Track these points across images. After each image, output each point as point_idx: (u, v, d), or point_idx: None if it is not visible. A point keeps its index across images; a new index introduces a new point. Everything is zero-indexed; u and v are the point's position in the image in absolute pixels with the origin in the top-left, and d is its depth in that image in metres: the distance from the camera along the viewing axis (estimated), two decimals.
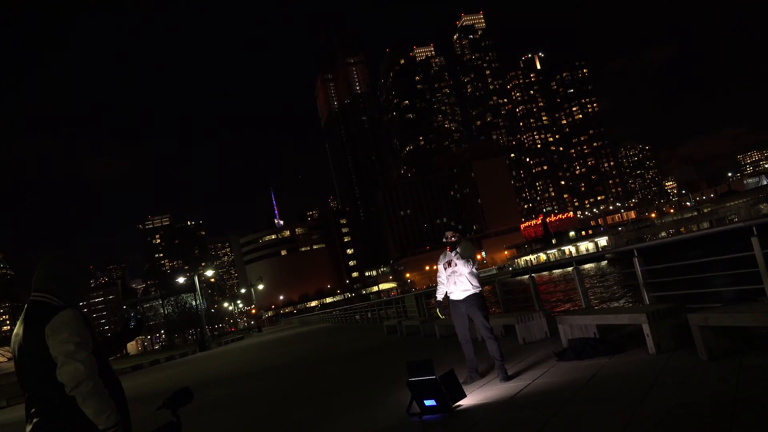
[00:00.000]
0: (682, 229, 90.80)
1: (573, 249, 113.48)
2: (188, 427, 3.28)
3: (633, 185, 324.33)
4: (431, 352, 9.80)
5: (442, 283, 6.68)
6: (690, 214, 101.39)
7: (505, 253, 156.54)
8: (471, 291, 6.37)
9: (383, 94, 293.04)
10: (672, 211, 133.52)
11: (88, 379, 2.44)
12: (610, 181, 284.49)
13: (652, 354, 5.65)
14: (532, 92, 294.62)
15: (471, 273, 6.38)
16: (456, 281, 6.43)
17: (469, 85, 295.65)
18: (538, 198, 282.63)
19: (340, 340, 19.32)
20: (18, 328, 2.62)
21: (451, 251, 6.47)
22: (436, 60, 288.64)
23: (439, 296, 6.78)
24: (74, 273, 2.77)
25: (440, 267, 6.68)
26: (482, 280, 6.76)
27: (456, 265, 6.38)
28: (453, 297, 6.50)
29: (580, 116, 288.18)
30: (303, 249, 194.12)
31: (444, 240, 6.60)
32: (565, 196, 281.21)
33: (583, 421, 4.11)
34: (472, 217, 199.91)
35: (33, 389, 2.53)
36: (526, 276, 10.25)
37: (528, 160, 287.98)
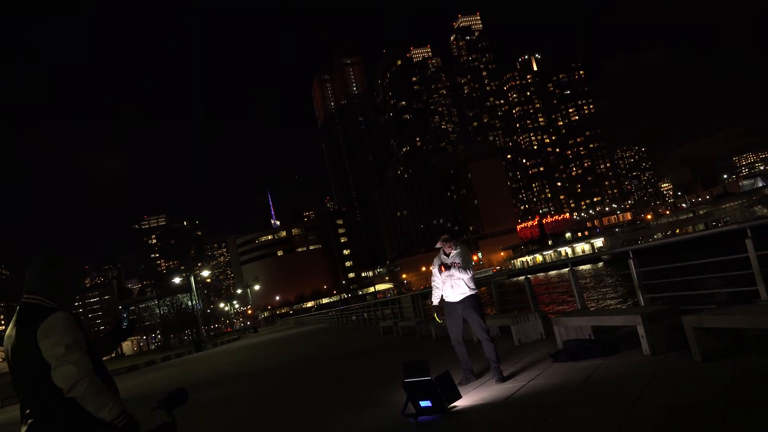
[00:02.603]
0: (678, 231, 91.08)
1: (569, 250, 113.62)
2: (184, 427, 3.28)
3: (629, 187, 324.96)
4: (427, 353, 9.80)
5: (437, 287, 6.65)
6: (685, 216, 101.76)
7: (502, 254, 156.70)
8: (468, 293, 6.38)
9: (380, 95, 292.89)
10: (668, 212, 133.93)
11: (83, 379, 2.44)
12: (606, 183, 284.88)
13: (647, 355, 5.67)
14: (528, 93, 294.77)
15: (470, 277, 6.41)
16: (453, 284, 6.42)
17: (465, 86, 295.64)
18: (535, 199, 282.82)
19: (336, 340, 19.31)
20: (10, 330, 2.61)
21: (447, 255, 6.49)
22: (433, 61, 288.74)
23: (435, 300, 6.75)
24: (66, 275, 2.76)
25: (435, 270, 6.64)
26: (478, 282, 6.78)
27: (457, 269, 6.39)
28: (449, 299, 6.49)
29: (577, 117, 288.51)
30: (299, 249, 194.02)
31: (437, 246, 6.61)
32: (562, 197, 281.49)
33: (578, 422, 4.13)
34: (469, 218, 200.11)
35: (27, 391, 2.53)
36: (522, 277, 10.26)
37: (524, 161, 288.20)
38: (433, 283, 6.74)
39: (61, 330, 2.51)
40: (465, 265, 6.38)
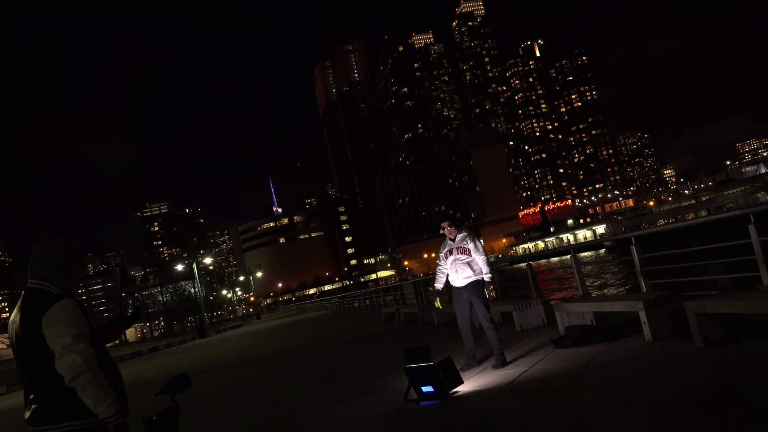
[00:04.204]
0: (680, 217, 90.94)
1: (571, 237, 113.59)
2: (187, 413, 3.30)
3: (631, 173, 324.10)
4: (429, 339, 9.84)
5: (443, 272, 6.67)
6: (688, 203, 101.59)
7: (503, 241, 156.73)
8: (473, 277, 6.41)
9: (382, 82, 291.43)
10: (670, 199, 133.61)
11: (86, 371, 2.44)
12: (609, 170, 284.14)
13: (649, 341, 5.67)
14: (531, 80, 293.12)
15: (484, 260, 6.43)
16: (458, 268, 6.44)
17: (468, 73, 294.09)
18: (537, 186, 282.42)
19: (339, 327, 19.38)
20: (15, 315, 2.60)
21: (453, 240, 6.51)
22: (435, 47, 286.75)
23: (439, 285, 6.77)
24: (70, 260, 2.75)
25: (441, 255, 6.68)
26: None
27: (468, 252, 6.41)
28: (455, 284, 6.52)
29: (579, 104, 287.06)
30: (301, 237, 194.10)
31: (441, 231, 6.63)
32: (564, 184, 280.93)
33: (579, 408, 4.14)
34: (471, 205, 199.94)
35: (31, 376, 2.54)
36: (524, 264, 10.26)
37: (527, 148, 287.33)
38: (438, 269, 6.75)
39: (66, 318, 2.50)
40: (477, 247, 6.42)
